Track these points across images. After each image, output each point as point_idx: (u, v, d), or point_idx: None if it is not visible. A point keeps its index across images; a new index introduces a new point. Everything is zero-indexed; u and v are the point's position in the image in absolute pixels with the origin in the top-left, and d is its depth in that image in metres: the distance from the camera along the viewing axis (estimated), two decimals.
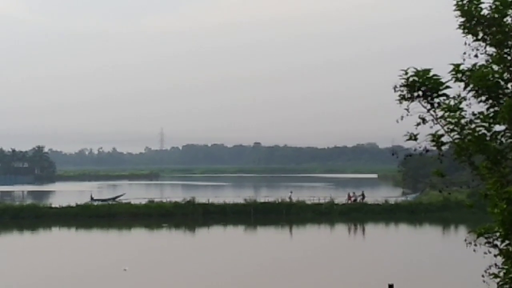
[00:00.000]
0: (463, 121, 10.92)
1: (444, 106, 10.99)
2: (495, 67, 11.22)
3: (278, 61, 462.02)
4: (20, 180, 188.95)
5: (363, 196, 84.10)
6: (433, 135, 11.06)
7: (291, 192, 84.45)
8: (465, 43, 11.52)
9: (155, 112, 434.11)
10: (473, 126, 10.95)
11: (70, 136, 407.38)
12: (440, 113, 11.04)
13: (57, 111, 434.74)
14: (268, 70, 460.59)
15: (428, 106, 11.12)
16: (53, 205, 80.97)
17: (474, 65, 11.36)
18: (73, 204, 79.30)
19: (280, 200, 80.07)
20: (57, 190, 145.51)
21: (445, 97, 11.07)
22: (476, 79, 11.03)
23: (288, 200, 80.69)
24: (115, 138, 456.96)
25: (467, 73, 11.24)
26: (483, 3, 11.43)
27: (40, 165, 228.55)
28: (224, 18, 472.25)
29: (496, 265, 11.17)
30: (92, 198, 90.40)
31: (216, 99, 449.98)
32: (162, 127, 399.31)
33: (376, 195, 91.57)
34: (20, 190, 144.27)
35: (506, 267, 10.85)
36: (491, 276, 11.08)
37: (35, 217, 75.70)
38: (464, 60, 11.39)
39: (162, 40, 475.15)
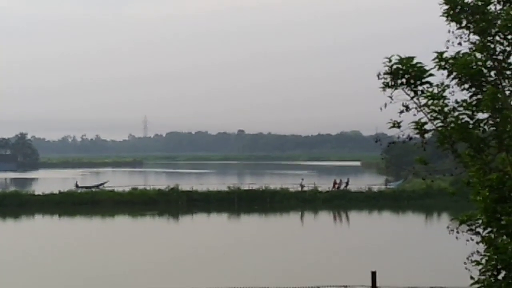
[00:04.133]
0: (446, 109, 10.94)
1: (428, 93, 11.01)
2: (478, 55, 11.23)
3: (261, 47, 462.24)
4: (2, 167, 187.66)
5: (346, 183, 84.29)
6: (417, 122, 11.08)
7: (302, 179, 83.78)
8: (449, 31, 11.51)
9: (139, 99, 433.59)
10: (456, 114, 10.98)
11: (53, 123, 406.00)
12: (423, 100, 11.07)
13: (40, 98, 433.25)
14: (251, 56, 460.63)
15: (412, 94, 11.13)
16: (36, 193, 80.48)
17: (458, 53, 11.36)
18: (56, 191, 78.99)
19: (264, 188, 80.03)
20: (40, 178, 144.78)
21: (428, 85, 11.09)
22: (460, 67, 11.04)
23: (299, 187, 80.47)
24: (98, 125, 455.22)
25: (451, 61, 11.25)
26: None
27: (23, 152, 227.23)
28: (205, 4, 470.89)
29: (478, 252, 11.22)
30: (77, 185, 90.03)
31: (200, 86, 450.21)
32: (146, 115, 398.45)
33: (359, 183, 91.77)
34: (3, 178, 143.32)
35: (488, 254, 10.91)
36: (473, 263, 11.13)
37: (18, 204, 75.28)
38: (447, 47, 11.40)
39: (145, 26, 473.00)
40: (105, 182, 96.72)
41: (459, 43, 11.47)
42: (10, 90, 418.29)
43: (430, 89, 11.05)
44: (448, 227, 12.08)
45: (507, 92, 11.13)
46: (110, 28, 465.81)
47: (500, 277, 10.84)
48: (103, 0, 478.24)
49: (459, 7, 11.35)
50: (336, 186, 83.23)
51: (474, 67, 11.08)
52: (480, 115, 11.09)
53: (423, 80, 11.05)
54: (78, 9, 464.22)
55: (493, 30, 11.16)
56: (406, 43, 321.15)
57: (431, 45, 11.40)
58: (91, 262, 42.53)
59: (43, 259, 44.39)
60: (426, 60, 11.29)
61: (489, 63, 11.20)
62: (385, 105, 11.06)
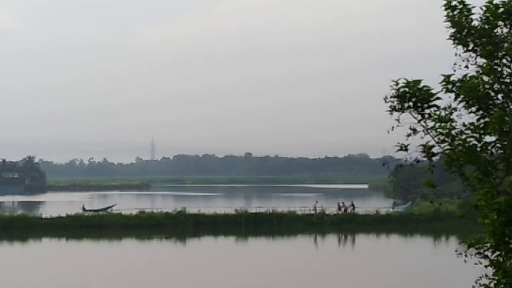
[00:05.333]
0: (453, 132, 10.94)
1: (435, 117, 11.02)
2: (486, 78, 11.25)
3: (269, 71, 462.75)
4: (10, 190, 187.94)
5: (353, 206, 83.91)
6: (424, 145, 11.08)
7: (317, 202, 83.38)
8: (456, 54, 11.55)
9: (146, 122, 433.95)
10: (463, 137, 10.97)
11: (61, 146, 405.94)
12: (430, 123, 11.07)
13: (48, 121, 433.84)
14: (259, 80, 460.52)
15: (419, 117, 11.15)
16: (43, 216, 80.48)
17: (465, 76, 11.39)
18: (63, 214, 78.91)
19: (271, 211, 79.81)
20: (47, 201, 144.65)
21: (435, 108, 11.10)
22: (467, 90, 11.06)
23: (314, 210, 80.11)
24: (106, 148, 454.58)
25: (458, 84, 11.27)
26: (473, 14, 11.48)
27: (30, 175, 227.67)
28: (214, 27, 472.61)
29: (486, 275, 11.17)
30: (84, 209, 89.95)
31: (207, 109, 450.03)
32: (153, 137, 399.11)
33: (367, 206, 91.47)
34: (10, 201, 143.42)
35: (496, 277, 10.85)
36: (482, 287, 11.08)
37: (26, 228, 75.22)
38: (454, 71, 11.42)
39: (153, 49, 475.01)
40: (113, 206, 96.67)
41: (466, 66, 11.50)
42: (18, 114, 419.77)
43: (437, 112, 11.06)
44: (456, 251, 12.04)
45: None
46: (118, 52, 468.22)
47: None
48: (111, 25, 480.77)
49: (466, 30, 11.40)
50: (343, 209, 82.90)
51: (481, 90, 11.09)
52: (488, 138, 11.08)
53: (430, 103, 11.07)
54: (85, 34, 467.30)
55: (500, 53, 11.19)
56: (414, 66, 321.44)
57: (438, 69, 11.44)
58: (99, 286, 42.42)
59: (50, 283, 44.27)
60: (433, 83, 11.32)
61: (496, 86, 11.21)
62: (393, 128, 11.08)
